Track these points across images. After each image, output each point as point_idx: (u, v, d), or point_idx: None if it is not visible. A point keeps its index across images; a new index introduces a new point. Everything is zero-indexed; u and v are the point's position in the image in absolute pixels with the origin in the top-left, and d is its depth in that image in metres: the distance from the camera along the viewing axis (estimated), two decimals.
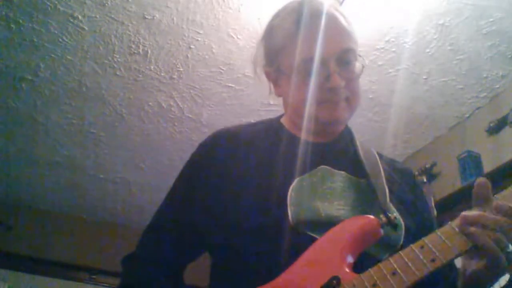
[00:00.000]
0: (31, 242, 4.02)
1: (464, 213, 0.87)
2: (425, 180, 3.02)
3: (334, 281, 0.89)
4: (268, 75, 1.20)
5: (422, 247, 0.87)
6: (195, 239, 1.11)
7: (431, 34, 2.48)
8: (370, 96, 2.89)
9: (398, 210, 1.06)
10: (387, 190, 1.08)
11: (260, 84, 1.24)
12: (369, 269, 0.88)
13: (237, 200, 1.04)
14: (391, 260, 0.88)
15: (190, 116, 3.14)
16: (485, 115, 2.85)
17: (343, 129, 1.19)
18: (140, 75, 2.82)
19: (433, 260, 0.85)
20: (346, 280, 0.89)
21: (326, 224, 0.98)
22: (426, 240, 0.88)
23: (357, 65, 1.12)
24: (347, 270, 0.91)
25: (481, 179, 0.89)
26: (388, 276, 0.86)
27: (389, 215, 0.98)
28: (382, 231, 0.96)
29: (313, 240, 0.96)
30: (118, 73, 2.80)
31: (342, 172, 1.09)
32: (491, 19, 2.37)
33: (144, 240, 1.15)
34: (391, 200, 1.07)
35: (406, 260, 0.87)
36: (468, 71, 2.67)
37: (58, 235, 4.14)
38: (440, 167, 3.07)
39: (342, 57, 1.09)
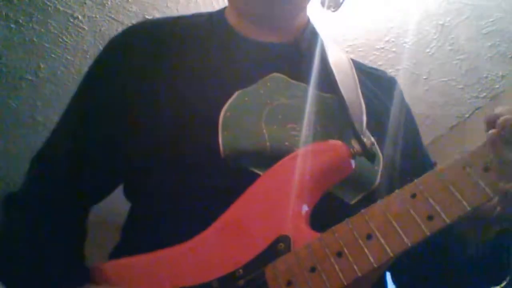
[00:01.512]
0: None
1: (491, 132, 0.62)
2: None
3: (282, 244, 0.62)
4: None
5: (414, 195, 0.59)
6: (104, 166, 0.82)
7: (431, 34, 2.47)
8: None
9: (377, 137, 0.78)
10: (364, 109, 0.78)
11: None
12: (333, 228, 0.61)
13: (156, 117, 0.75)
14: (366, 214, 0.60)
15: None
16: (485, 115, 2.85)
17: (305, 26, 0.90)
18: None
19: (430, 218, 0.57)
20: (299, 241, 0.62)
21: (273, 155, 0.70)
22: (420, 184, 0.59)
23: None
24: (301, 225, 0.64)
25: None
26: (360, 241, 0.58)
27: (365, 141, 0.71)
28: (353, 163, 0.69)
29: (254, 177, 0.69)
30: None
31: (303, 84, 0.80)
32: (491, 19, 2.37)
33: (31, 175, 0.84)
34: (368, 124, 0.77)
35: (390, 216, 0.58)
36: (468, 71, 2.67)
37: None
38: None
39: None
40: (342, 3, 0.88)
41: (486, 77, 2.71)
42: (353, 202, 0.73)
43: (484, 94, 2.82)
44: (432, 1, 2.31)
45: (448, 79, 2.74)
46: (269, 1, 0.82)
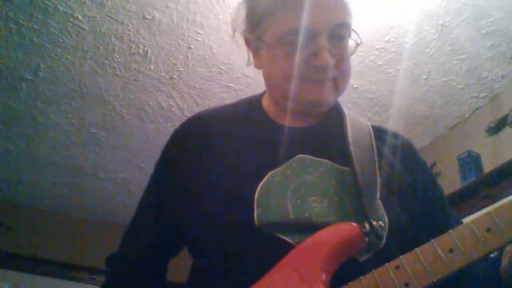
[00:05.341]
0: (31, 242, 4.02)
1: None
2: None
3: None
4: (247, 42, 1.06)
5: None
6: (174, 236, 1.04)
7: (431, 34, 2.48)
8: (370, 96, 2.88)
9: (389, 204, 0.93)
10: (378, 181, 0.94)
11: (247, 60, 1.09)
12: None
13: (206, 196, 0.94)
14: (368, 278, 0.79)
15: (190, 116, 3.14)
16: (485, 115, 2.85)
17: (331, 109, 1.06)
18: (140, 75, 2.82)
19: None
20: None
21: (296, 225, 0.87)
22: (403, 259, 0.79)
23: (351, 42, 0.99)
24: None
25: None
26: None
27: (373, 223, 0.86)
28: (367, 240, 0.84)
29: (283, 242, 0.86)
30: (118, 73, 2.80)
31: (325, 161, 0.96)
32: (491, 19, 2.37)
33: (126, 239, 1.09)
34: (381, 193, 0.93)
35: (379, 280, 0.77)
36: (468, 71, 2.67)
37: (58, 235, 4.13)
38: (440, 167, 3.07)
39: (335, 31, 0.95)
40: None
41: (486, 77, 2.71)
42: (361, 260, 0.86)
43: (484, 94, 2.82)
44: (432, 1, 2.31)
45: (448, 79, 2.74)
46: (314, 111, 1.02)
